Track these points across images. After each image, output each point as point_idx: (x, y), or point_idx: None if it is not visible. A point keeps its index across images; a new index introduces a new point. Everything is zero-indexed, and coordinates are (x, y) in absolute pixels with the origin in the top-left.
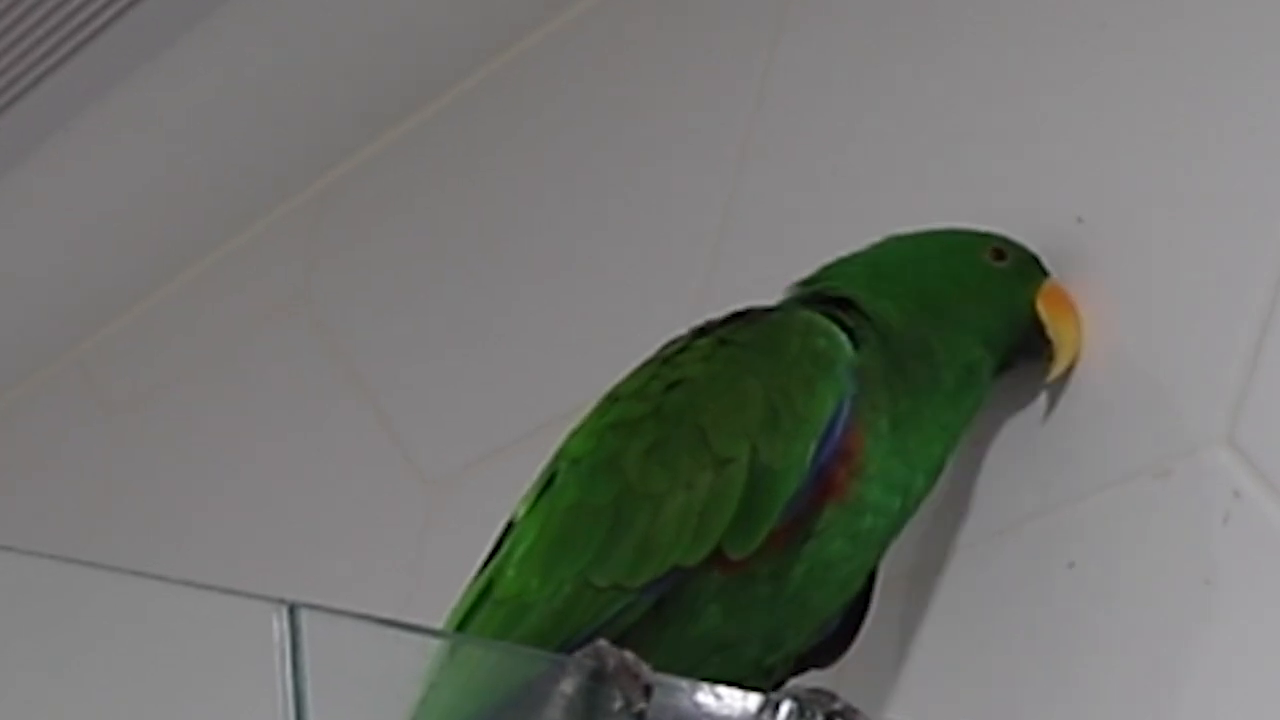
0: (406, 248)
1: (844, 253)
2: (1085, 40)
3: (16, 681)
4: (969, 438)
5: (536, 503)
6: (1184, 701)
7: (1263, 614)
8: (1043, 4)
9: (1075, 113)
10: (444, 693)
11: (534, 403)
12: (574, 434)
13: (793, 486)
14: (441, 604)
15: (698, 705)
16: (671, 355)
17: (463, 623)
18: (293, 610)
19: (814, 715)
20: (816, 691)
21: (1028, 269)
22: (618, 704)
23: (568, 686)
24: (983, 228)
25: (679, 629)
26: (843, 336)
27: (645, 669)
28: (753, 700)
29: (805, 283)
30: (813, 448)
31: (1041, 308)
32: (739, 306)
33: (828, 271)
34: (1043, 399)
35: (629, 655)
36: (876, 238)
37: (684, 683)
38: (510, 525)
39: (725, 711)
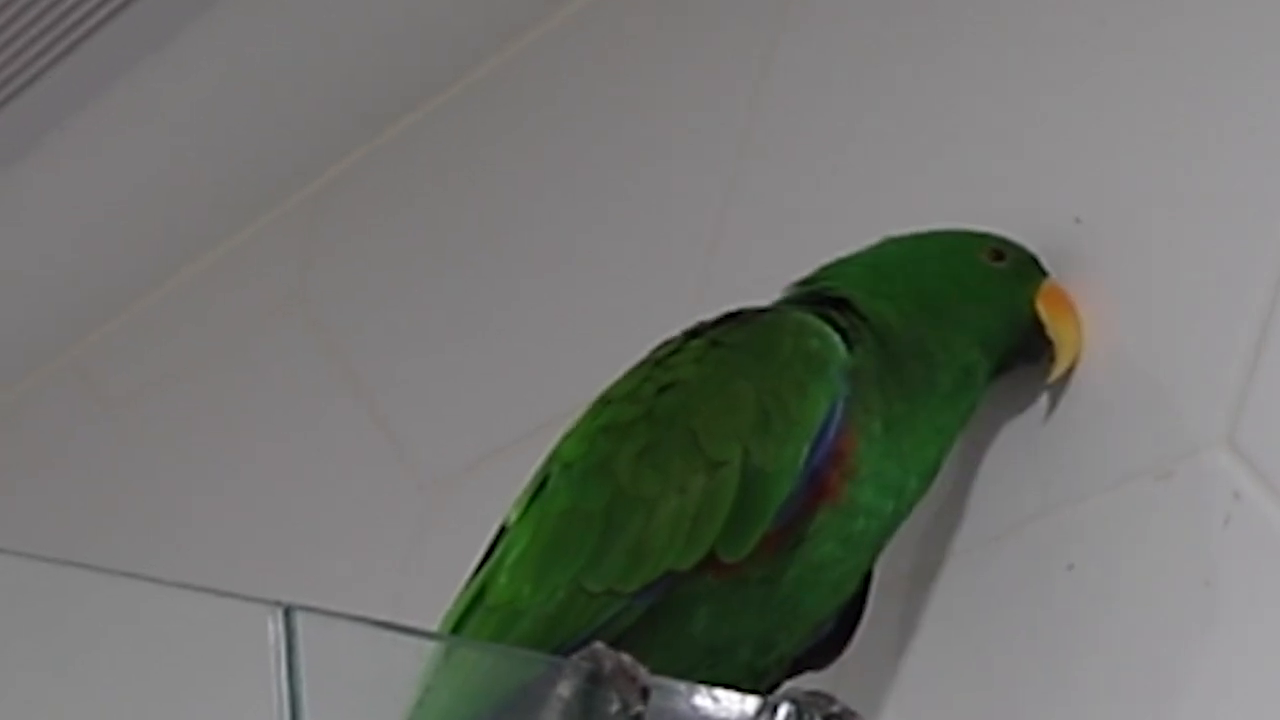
0: (403, 246)
1: (842, 253)
2: (1084, 39)
3: (11, 684)
4: (968, 439)
5: (529, 507)
6: (1184, 704)
7: (1263, 616)
8: (1042, 3)
9: (1074, 112)
10: (440, 696)
11: (530, 404)
12: (566, 437)
13: (786, 489)
14: (437, 606)
15: (695, 708)
16: (663, 357)
17: (455, 630)
18: (288, 612)
19: (812, 718)
20: (814, 694)
21: (1026, 269)
22: (615, 707)
23: (564, 689)
24: (981, 228)
25: (670, 633)
26: (836, 337)
27: (643, 672)
28: (750, 703)
29: (803, 283)
30: (805, 450)
31: (1041, 308)
32: (735, 306)
33: (825, 272)
34: (1043, 400)
35: (626, 658)
36: (875, 238)
37: (681, 685)
38: (503, 530)
39: (723, 714)
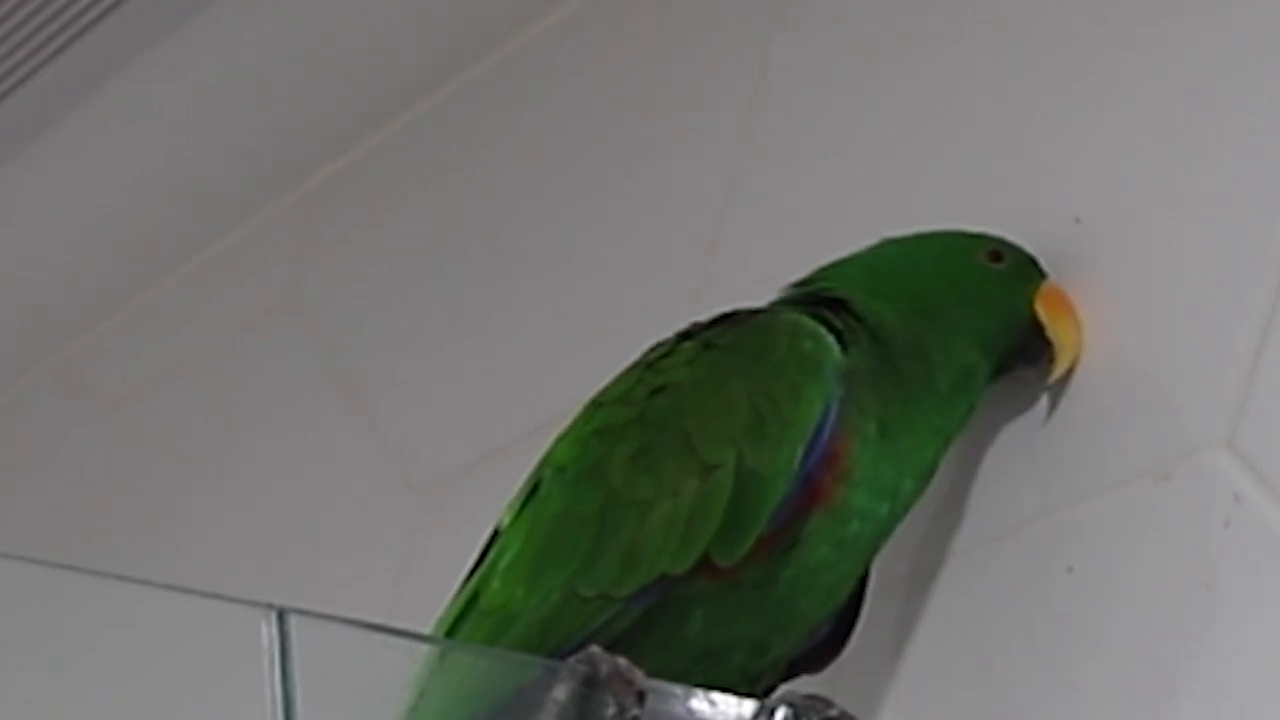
0: (398, 246)
1: (841, 253)
2: (1084, 39)
3: (5, 687)
4: (968, 440)
5: (521, 511)
6: (1184, 706)
7: (1263, 618)
8: (1042, 3)
9: (1074, 112)
10: (434, 700)
11: (527, 405)
12: (559, 440)
13: (780, 492)
14: (431, 609)
15: (691, 711)
16: (656, 359)
17: (449, 634)
18: (282, 615)
19: None
20: (812, 697)
21: (1025, 270)
22: (611, 710)
23: (560, 693)
24: (980, 229)
25: (664, 636)
26: (830, 339)
27: (639, 675)
28: (747, 706)
29: (800, 284)
30: (800, 453)
31: (1040, 309)
32: (733, 307)
33: (823, 273)
34: (1042, 402)
35: (622, 661)
36: (874, 238)
37: (678, 689)
38: (496, 533)
39: (719, 718)
